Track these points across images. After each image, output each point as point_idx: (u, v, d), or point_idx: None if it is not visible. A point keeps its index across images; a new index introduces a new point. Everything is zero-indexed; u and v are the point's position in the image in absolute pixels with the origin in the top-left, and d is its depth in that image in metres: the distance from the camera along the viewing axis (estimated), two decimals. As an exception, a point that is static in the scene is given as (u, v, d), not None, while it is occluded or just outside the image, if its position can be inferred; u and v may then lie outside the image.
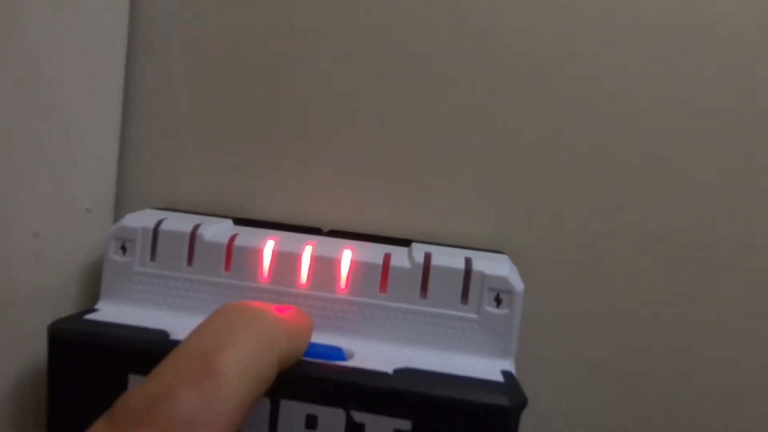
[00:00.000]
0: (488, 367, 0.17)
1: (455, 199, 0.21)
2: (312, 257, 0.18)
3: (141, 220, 0.19)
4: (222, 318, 0.14)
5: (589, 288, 0.21)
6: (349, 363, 0.16)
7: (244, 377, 0.13)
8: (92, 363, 0.16)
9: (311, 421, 0.15)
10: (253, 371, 0.13)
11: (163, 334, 0.16)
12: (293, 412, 0.15)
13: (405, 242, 0.20)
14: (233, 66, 0.22)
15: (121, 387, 0.16)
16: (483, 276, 0.18)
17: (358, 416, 0.15)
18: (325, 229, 0.21)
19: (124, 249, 0.19)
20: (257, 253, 0.18)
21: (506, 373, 0.16)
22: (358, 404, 0.15)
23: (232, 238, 0.19)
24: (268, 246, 0.19)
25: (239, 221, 0.21)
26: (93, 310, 0.18)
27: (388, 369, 0.15)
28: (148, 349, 0.15)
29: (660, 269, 0.21)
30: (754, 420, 0.21)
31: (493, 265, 0.18)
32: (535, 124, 0.21)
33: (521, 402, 0.15)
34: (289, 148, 0.22)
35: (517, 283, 0.18)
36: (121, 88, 0.22)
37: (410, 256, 0.18)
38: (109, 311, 0.18)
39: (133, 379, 0.16)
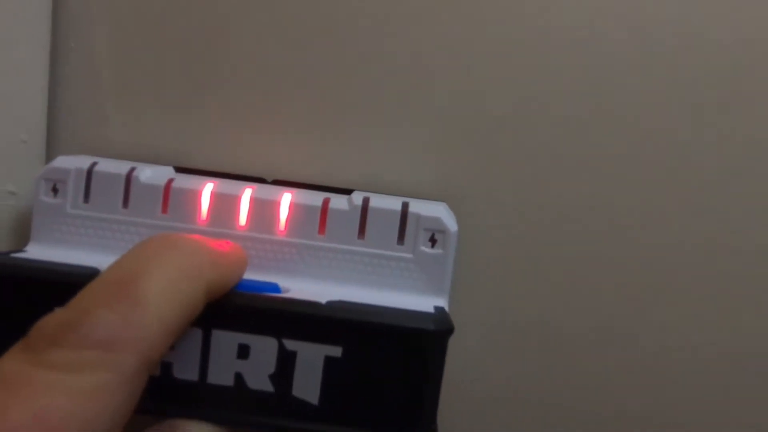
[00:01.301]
0: (422, 304, 0.17)
1: (398, 151, 0.22)
2: (252, 199, 0.18)
3: (74, 161, 0.19)
4: (143, 247, 0.14)
5: (531, 243, 0.22)
6: (283, 295, 0.16)
7: (167, 303, 0.13)
8: (16, 297, 0.16)
9: (243, 351, 0.15)
10: (177, 297, 0.13)
11: (92, 270, 0.16)
12: (225, 341, 0.15)
13: (347, 191, 0.21)
14: (162, 12, 0.22)
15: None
16: (418, 217, 0.18)
17: (291, 344, 0.15)
18: (269, 180, 0.21)
19: (55, 191, 0.19)
20: (195, 195, 0.18)
21: (438, 308, 0.17)
22: (290, 332, 0.15)
23: (170, 180, 0.19)
24: (207, 188, 0.18)
25: (180, 170, 0.21)
26: (20, 251, 0.18)
27: (321, 300, 0.16)
28: (76, 282, 0.15)
29: (600, 230, 0.22)
30: (675, 381, 0.22)
31: (429, 208, 0.18)
32: (481, 72, 0.22)
33: (447, 328, 0.16)
34: (228, 98, 0.22)
35: (451, 224, 0.18)
36: (47, 54, 0.21)
37: (349, 200, 0.19)
38: (37, 252, 0.18)
39: (59, 313, 0.15)
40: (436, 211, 0.18)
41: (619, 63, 0.21)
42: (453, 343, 0.16)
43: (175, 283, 0.13)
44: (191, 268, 0.13)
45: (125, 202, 0.18)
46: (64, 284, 0.15)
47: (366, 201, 0.18)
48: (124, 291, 0.12)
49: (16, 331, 0.15)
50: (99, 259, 0.18)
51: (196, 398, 0.15)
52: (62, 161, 0.19)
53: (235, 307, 0.15)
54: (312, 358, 0.15)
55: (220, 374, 0.15)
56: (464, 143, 0.22)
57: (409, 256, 0.18)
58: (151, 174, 0.19)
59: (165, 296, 0.13)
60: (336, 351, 0.15)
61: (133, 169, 0.19)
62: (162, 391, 0.15)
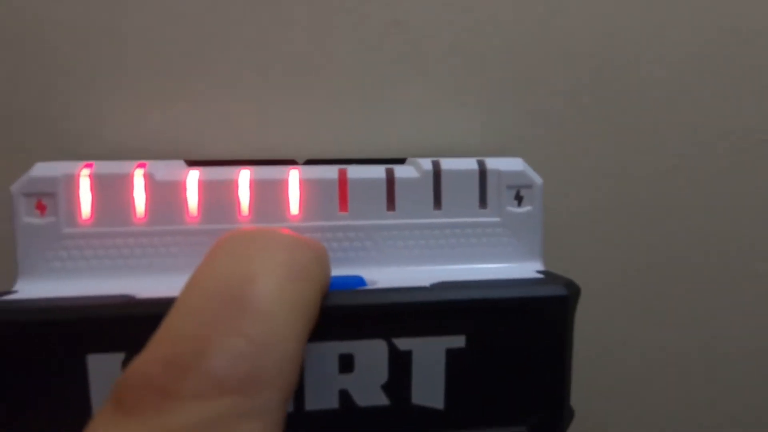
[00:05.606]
0: (522, 270, 0.15)
1: (455, 111, 0.19)
2: (300, 181, 0.15)
3: (58, 168, 0.15)
4: (230, 249, 0.10)
5: (611, 207, 0.20)
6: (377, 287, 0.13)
7: (292, 312, 0.09)
8: (27, 350, 0.11)
9: (346, 362, 0.12)
10: (298, 304, 0.10)
11: (126, 297, 0.12)
12: (322, 355, 0.12)
13: (400, 161, 0.18)
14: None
15: (78, 376, 0.11)
16: (499, 174, 0.16)
17: (403, 343, 0.12)
18: (301, 161, 0.18)
19: (41, 208, 0.14)
20: (230, 186, 0.15)
21: (542, 272, 0.15)
22: (401, 329, 0.12)
23: (193, 174, 0.15)
24: (243, 176, 0.15)
25: (192, 163, 0.17)
26: (8, 292, 0.13)
27: (424, 284, 0.13)
28: (112, 315, 0.11)
29: (678, 167, 0.20)
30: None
31: (508, 162, 0.16)
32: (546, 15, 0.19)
33: (577, 290, 0.13)
34: (231, 68, 0.18)
35: (536, 177, 0.16)
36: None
37: (417, 166, 0.16)
38: (32, 290, 0.13)
39: (93, 360, 0.12)
40: (517, 164, 0.16)
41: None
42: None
43: (291, 286, 0.10)
44: (299, 266, 0.10)
45: (141, 208, 0.15)
46: (94, 321, 0.11)
47: (437, 165, 0.16)
48: (238, 303, 0.09)
49: (32, 393, 0.12)
50: (123, 284, 0.14)
51: (294, 433, 0.12)
52: (43, 169, 0.14)
53: (330, 310, 0.12)
54: (431, 355, 0.12)
55: (321, 397, 0.12)
56: (542, 94, 0.19)
57: (496, 219, 0.16)
58: (166, 170, 0.15)
59: (287, 304, 0.09)
60: (458, 341, 0.12)
61: (141, 166, 0.15)
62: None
